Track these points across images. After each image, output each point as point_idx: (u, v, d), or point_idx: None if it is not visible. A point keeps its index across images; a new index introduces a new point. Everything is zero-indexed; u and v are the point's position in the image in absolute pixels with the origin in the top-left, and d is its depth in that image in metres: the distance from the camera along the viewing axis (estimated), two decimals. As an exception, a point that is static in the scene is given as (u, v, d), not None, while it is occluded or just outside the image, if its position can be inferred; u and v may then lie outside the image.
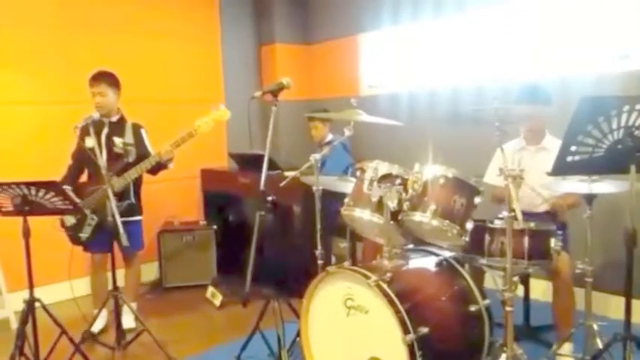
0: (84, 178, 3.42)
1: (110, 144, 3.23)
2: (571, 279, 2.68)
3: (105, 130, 3.25)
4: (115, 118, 3.34)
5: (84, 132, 3.05)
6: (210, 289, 3.97)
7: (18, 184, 2.39)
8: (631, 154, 2.03)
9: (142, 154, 3.27)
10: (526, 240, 2.36)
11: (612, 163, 2.09)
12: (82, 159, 3.32)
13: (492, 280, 2.50)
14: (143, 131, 3.42)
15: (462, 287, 2.38)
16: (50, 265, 3.34)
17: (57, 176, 3.19)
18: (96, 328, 3.24)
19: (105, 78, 3.25)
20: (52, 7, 4.00)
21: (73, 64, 3.98)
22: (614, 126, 2.01)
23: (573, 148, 2.06)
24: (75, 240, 3.25)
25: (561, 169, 2.14)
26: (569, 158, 2.08)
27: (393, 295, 2.07)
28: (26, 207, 2.45)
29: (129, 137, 3.31)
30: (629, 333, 2.16)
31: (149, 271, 4.36)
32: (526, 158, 2.90)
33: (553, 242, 2.39)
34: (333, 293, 2.32)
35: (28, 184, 2.39)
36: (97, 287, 3.46)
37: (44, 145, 3.90)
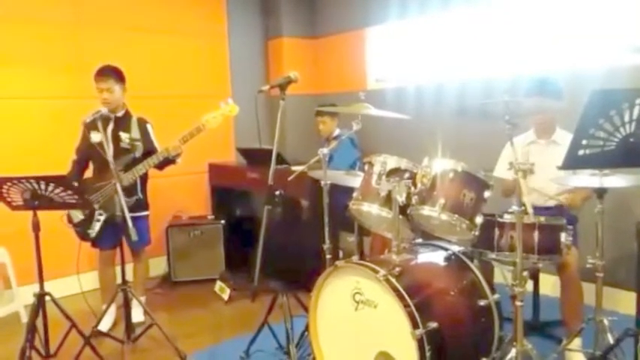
0: (88, 173, 3.43)
1: (116, 139, 3.24)
2: (578, 274, 2.66)
3: (111, 126, 3.25)
4: (120, 113, 3.34)
5: (89, 127, 3.05)
6: (219, 284, 3.98)
7: (27, 179, 2.40)
8: (643, 147, 2.01)
9: (149, 149, 3.27)
10: (536, 234, 2.34)
11: (624, 157, 2.07)
12: (88, 154, 3.33)
13: (502, 275, 2.49)
14: (149, 126, 3.42)
15: (472, 282, 2.36)
16: (58, 259, 3.35)
17: (62, 171, 3.20)
18: (105, 326, 3.25)
19: (112, 73, 3.25)
20: (59, 3, 4.01)
21: (80, 60, 3.99)
22: (626, 119, 1.99)
23: (584, 142, 2.04)
24: (83, 236, 3.25)
25: (572, 162, 2.12)
26: (581, 152, 2.06)
27: (402, 290, 2.06)
28: (36, 201, 2.47)
29: (135, 132, 3.31)
30: (640, 328, 2.14)
31: (157, 266, 4.39)
32: (536, 152, 2.88)
33: (563, 237, 2.37)
34: (342, 287, 2.31)
35: (38, 179, 2.40)
36: (105, 282, 3.48)
37: (52, 140, 3.92)
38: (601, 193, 2.38)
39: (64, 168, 3.32)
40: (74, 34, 4.08)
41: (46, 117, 3.98)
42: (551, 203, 2.88)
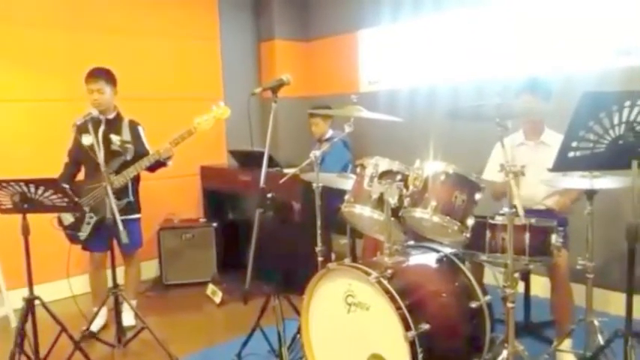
0: (80, 176, 3.41)
1: (107, 141, 3.21)
2: (568, 276, 2.67)
3: (102, 128, 3.22)
4: (111, 116, 3.32)
5: (81, 129, 3.02)
6: (211, 287, 3.97)
7: (17, 182, 2.38)
8: (632, 149, 2.02)
9: (140, 152, 3.26)
10: (527, 236, 2.35)
11: (613, 159, 2.08)
12: (79, 157, 3.31)
13: (493, 277, 2.49)
14: (140, 128, 3.41)
15: (463, 283, 2.37)
16: (48, 262, 3.33)
17: (53, 174, 3.17)
18: (95, 326, 3.24)
19: (103, 75, 3.23)
20: (52, 7, 3.99)
21: (73, 62, 3.96)
22: (616, 121, 1.99)
23: (574, 144, 2.05)
24: (73, 239, 3.23)
25: (562, 165, 2.13)
26: (571, 154, 2.07)
27: (394, 292, 2.06)
28: (25, 204, 2.44)
29: (126, 135, 3.29)
30: (630, 329, 2.15)
31: (149, 269, 4.36)
32: (525, 153, 2.90)
33: (554, 238, 2.38)
34: (334, 290, 2.31)
35: (27, 182, 2.38)
36: (96, 285, 3.46)
37: (45, 142, 3.89)
38: (591, 194, 2.40)
39: (57, 170, 3.30)
40: (66, 37, 4.05)
41: (39, 119, 3.95)
42: (541, 207, 2.90)
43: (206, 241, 4.30)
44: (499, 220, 2.39)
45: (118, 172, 3.15)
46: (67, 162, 3.38)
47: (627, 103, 1.96)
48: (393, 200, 2.26)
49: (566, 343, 2.66)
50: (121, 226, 2.66)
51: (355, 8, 4.79)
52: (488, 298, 2.35)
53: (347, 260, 2.53)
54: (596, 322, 2.45)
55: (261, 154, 2.59)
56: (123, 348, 2.92)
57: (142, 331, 2.94)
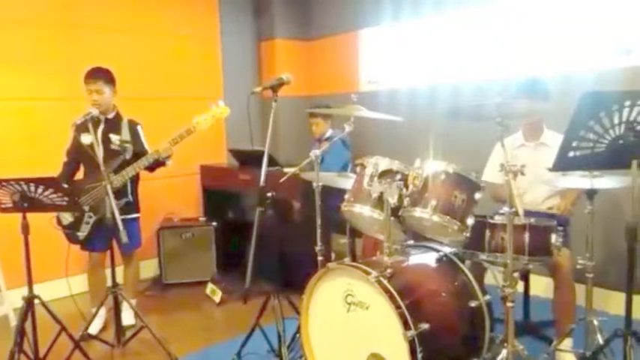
0: (79, 175, 3.40)
1: (107, 141, 3.21)
2: (572, 275, 2.67)
3: (101, 127, 3.22)
4: (111, 115, 3.32)
5: (80, 129, 3.03)
6: (210, 286, 3.97)
7: (17, 181, 2.38)
8: (632, 149, 2.02)
9: (139, 151, 3.25)
10: (526, 236, 2.35)
11: (613, 159, 2.08)
12: (78, 156, 3.31)
13: (493, 276, 2.49)
14: (139, 128, 3.40)
15: (463, 283, 2.37)
16: (47, 262, 3.33)
17: (51, 173, 3.17)
18: (94, 328, 3.23)
19: (102, 75, 3.23)
20: (51, 6, 3.98)
21: (72, 62, 3.96)
22: (616, 121, 2.00)
23: (575, 144, 2.05)
24: (72, 238, 3.23)
25: (563, 164, 2.13)
26: (571, 154, 2.07)
27: (393, 291, 2.06)
28: (25, 203, 2.44)
29: (125, 134, 3.29)
30: (629, 328, 2.15)
31: (149, 268, 4.36)
32: (526, 154, 2.89)
33: (554, 238, 2.38)
34: (334, 289, 2.31)
35: (27, 181, 2.38)
36: (94, 285, 3.44)
37: (38, 142, 3.89)
38: (591, 194, 2.40)
39: (54, 170, 3.30)
40: (66, 36, 4.05)
41: (37, 118, 3.94)
42: (545, 206, 2.90)
43: (206, 241, 4.30)
44: (499, 219, 2.39)
45: (116, 171, 3.14)
46: (66, 161, 3.38)
47: (627, 103, 1.96)
48: (392, 199, 2.26)
49: (566, 343, 2.66)
50: (121, 226, 2.66)
51: (356, 8, 4.79)
52: (487, 297, 2.35)
53: (346, 259, 2.53)
54: (595, 322, 2.45)
55: (261, 153, 2.59)
56: (122, 347, 2.92)
57: (142, 330, 2.93)
